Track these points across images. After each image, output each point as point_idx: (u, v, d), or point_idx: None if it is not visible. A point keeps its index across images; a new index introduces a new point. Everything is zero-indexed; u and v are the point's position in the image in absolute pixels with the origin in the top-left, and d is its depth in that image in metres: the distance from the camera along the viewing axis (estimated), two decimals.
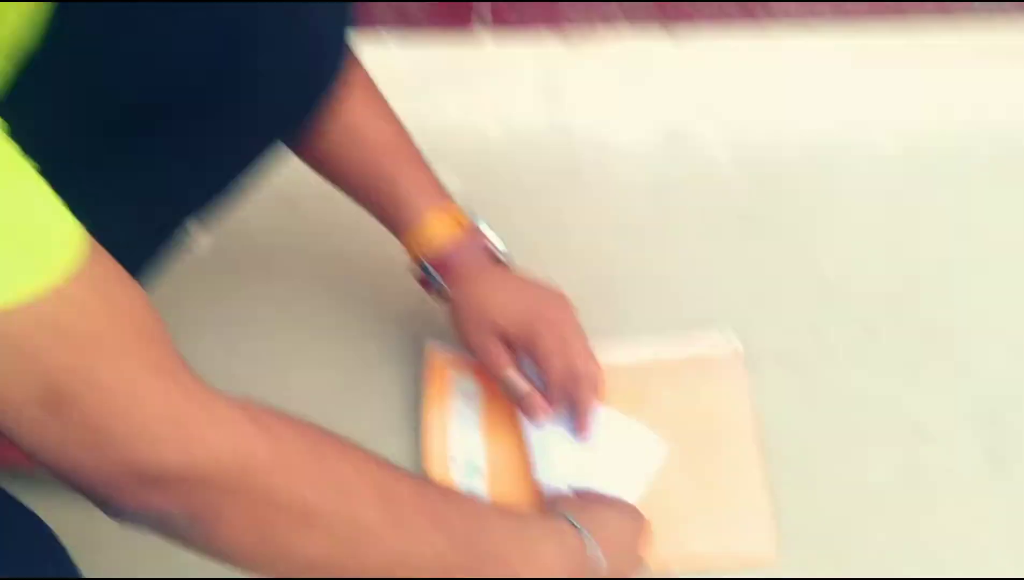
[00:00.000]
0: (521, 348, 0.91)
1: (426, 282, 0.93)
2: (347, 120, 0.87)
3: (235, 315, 1.07)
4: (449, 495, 0.75)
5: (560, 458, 0.92)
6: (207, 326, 1.04)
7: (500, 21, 1.23)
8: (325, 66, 0.81)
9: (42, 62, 0.70)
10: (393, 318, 1.04)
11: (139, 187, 0.80)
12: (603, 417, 0.93)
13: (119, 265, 0.58)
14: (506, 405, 0.94)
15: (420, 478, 0.72)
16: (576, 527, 0.78)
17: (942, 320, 1.04)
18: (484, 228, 0.93)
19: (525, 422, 0.93)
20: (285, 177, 0.92)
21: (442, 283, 0.91)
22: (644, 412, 0.96)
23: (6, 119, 0.56)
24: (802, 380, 1.00)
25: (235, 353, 1.04)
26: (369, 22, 1.20)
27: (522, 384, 0.91)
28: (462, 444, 0.96)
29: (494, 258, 0.92)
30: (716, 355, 1.00)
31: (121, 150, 0.77)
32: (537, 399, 0.91)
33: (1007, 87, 1.22)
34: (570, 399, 0.91)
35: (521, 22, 1.23)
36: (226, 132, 0.79)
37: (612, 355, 0.97)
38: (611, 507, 0.85)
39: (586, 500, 0.86)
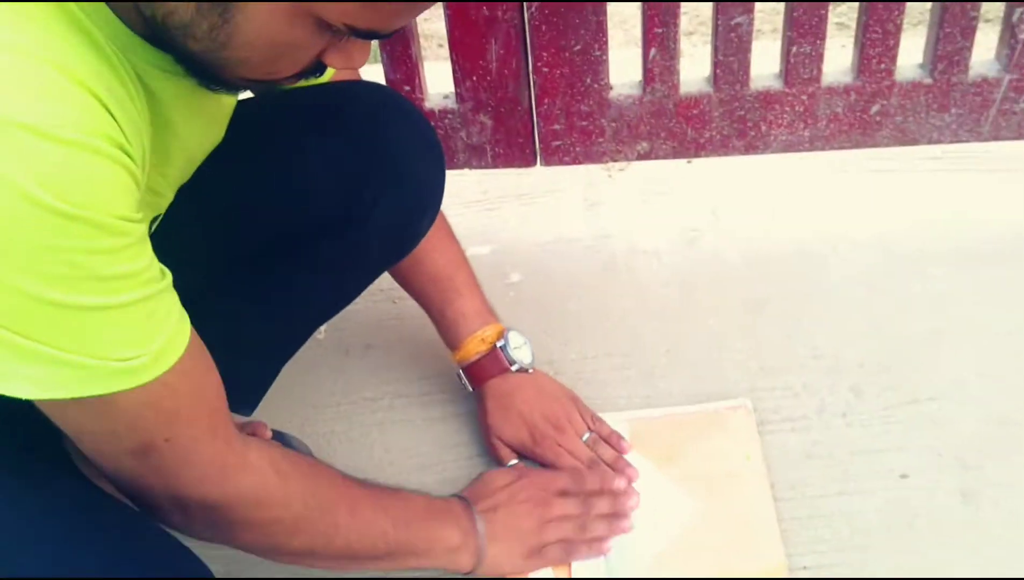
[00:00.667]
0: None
1: (461, 380, 1.02)
2: (415, 252, 0.93)
3: (346, 385, 1.12)
4: (390, 492, 0.81)
5: None
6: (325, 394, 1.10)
7: (552, 156, 1.26)
8: (427, 206, 0.87)
9: (194, 194, 0.72)
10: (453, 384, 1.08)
11: (279, 303, 0.85)
12: (637, 466, 0.95)
13: (206, 354, 0.63)
14: None
15: (373, 483, 0.80)
16: (475, 516, 0.84)
17: (918, 383, 1.06)
18: (513, 338, 0.98)
19: None
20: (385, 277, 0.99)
21: (469, 386, 0.99)
22: (670, 458, 0.97)
23: (164, 236, 0.61)
24: (802, 435, 1.03)
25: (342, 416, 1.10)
26: (454, 164, 1.25)
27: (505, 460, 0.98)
28: None
29: (510, 368, 0.98)
30: (731, 413, 1.02)
31: (265, 271, 0.83)
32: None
33: (958, 190, 1.26)
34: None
35: (570, 157, 1.26)
36: (350, 260, 0.85)
37: (645, 414, 1.00)
38: (518, 503, 0.87)
39: (498, 497, 0.88)
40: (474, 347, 0.96)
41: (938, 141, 1.22)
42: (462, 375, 0.98)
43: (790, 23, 1.13)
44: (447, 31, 1.11)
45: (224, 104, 0.70)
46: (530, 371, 0.98)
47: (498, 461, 0.97)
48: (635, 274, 1.20)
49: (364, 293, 0.92)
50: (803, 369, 1.07)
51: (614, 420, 1.00)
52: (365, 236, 0.81)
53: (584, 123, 1.18)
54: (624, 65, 1.20)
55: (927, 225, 1.18)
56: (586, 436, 0.96)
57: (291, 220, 0.78)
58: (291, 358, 0.90)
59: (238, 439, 0.66)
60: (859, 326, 1.11)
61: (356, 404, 1.08)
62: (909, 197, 1.23)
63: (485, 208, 1.18)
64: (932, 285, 1.13)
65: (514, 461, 0.97)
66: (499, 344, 0.96)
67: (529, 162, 1.25)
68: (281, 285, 0.83)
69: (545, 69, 1.13)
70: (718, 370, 1.08)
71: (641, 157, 1.24)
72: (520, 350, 0.97)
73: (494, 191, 1.27)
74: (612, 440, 0.97)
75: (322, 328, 1.08)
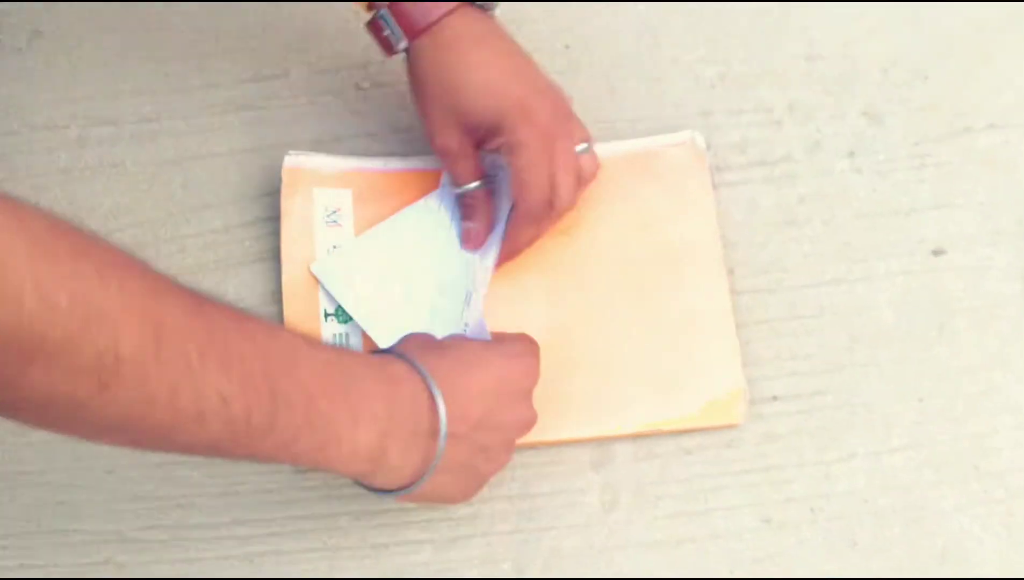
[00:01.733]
0: (492, 149, 0.68)
1: (378, 31, 0.67)
2: None
3: None
4: (248, 327, 0.52)
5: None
6: None
7: None
8: None
9: None
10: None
11: None
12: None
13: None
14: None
15: (211, 304, 0.50)
16: (414, 366, 0.57)
17: (971, 102, 0.75)
18: None
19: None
20: None
21: (398, 29, 0.66)
22: (577, 222, 0.71)
23: None
24: (781, 188, 0.73)
25: None
26: None
27: (472, 211, 0.69)
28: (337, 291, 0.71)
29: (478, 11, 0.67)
30: (669, 153, 0.74)
31: None
32: (480, 236, 0.69)
33: None
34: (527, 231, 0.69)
35: None
36: None
37: None
38: (483, 351, 0.61)
39: (446, 345, 0.62)
40: None
41: None
42: (387, 20, 0.65)
43: None
44: None
45: None
46: (493, 15, 0.68)
47: (447, 169, 0.69)
48: None
49: None
50: (789, 76, 0.76)
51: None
52: None
53: None
54: None
55: None
56: (582, 147, 0.69)
57: None
58: None
59: None
60: (883, 12, 0.78)
61: None
62: None
63: None
64: None
65: (475, 184, 0.68)
66: None
67: None
68: None
69: None
70: (655, 83, 0.76)
71: None
72: None
73: None
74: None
75: None
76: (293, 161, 0.70)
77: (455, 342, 0.62)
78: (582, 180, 0.69)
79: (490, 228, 0.69)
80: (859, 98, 0.76)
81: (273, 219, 0.71)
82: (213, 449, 0.50)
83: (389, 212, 0.70)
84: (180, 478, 0.65)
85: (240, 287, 0.70)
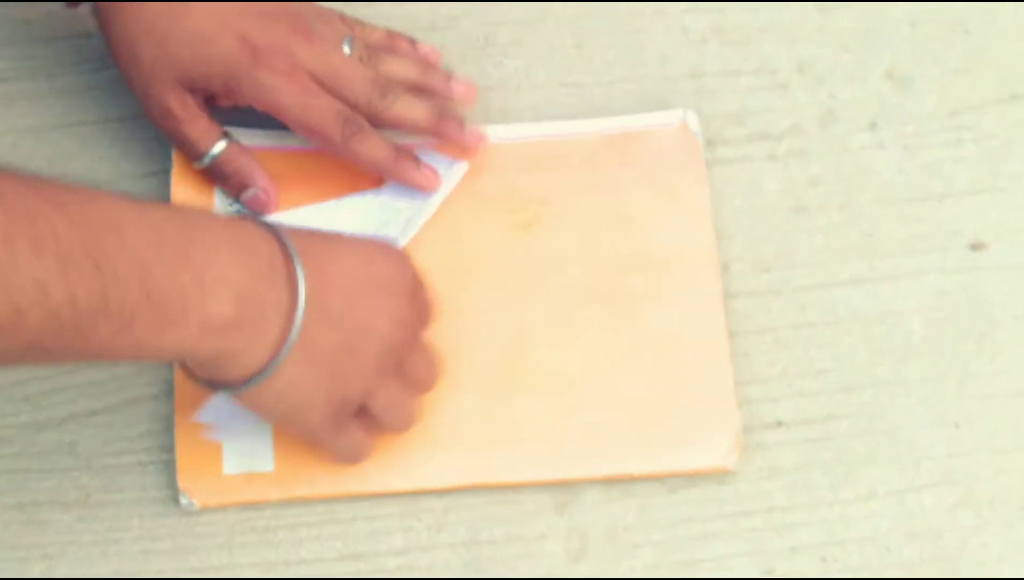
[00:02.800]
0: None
1: None
2: None
3: None
4: (58, 197, 0.51)
5: None
6: None
7: None
8: None
9: None
10: None
11: None
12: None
13: None
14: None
15: (7, 177, 0.50)
16: (271, 230, 0.57)
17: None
18: None
19: None
20: None
21: None
22: (549, 214, 0.70)
23: None
24: (789, 166, 0.72)
25: None
26: None
27: (242, 174, 0.69)
28: None
29: None
30: (658, 134, 0.73)
31: None
32: (270, 196, 0.70)
33: None
34: None
35: None
36: None
37: (516, 133, 0.73)
38: (367, 245, 0.62)
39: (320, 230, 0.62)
40: None
41: None
42: None
43: None
44: None
45: None
46: None
47: (192, 148, 0.67)
48: None
49: None
50: (798, 29, 0.74)
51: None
52: None
53: None
54: None
55: None
56: (348, 44, 0.68)
57: None
58: None
59: None
60: None
61: None
62: None
63: None
64: None
65: (220, 146, 0.67)
66: None
67: None
68: None
69: None
70: (633, 37, 0.74)
71: None
72: None
73: None
74: (399, 46, 0.72)
75: None
76: None
77: (332, 233, 0.61)
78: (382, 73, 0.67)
79: (273, 182, 0.67)
80: (883, 57, 0.73)
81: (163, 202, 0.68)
82: (37, 349, 0.49)
83: (305, 197, 0.68)
84: (47, 522, 0.63)
85: None
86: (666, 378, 0.65)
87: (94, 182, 0.69)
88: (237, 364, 0.55)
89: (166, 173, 0.67)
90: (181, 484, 0.64)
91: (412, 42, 0.73)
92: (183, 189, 0.67)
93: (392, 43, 0.72)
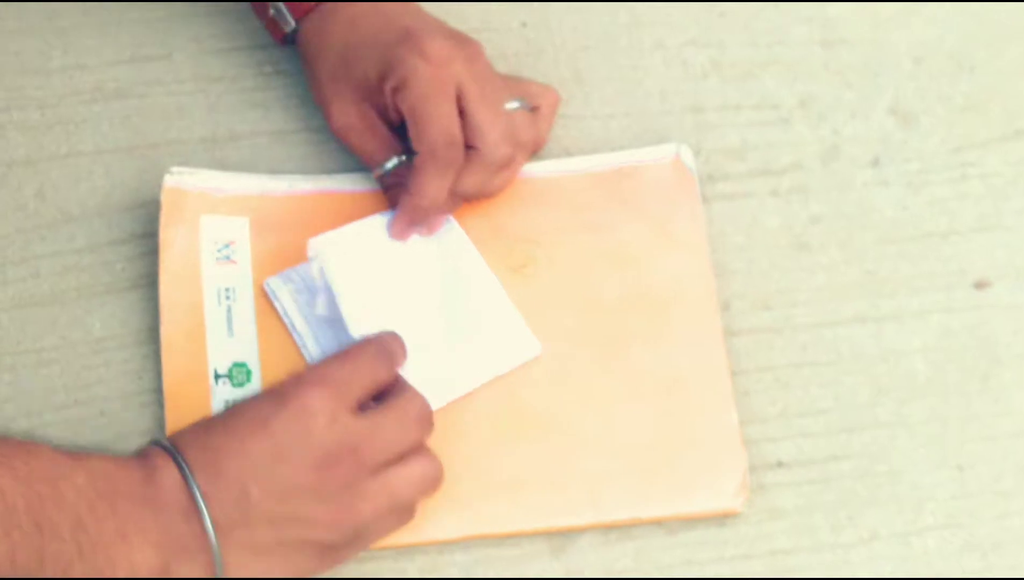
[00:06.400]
0: (392, 106, 0.70)
1: (263, 8, 0.73)
2: None
3: None
4: (8, 450, 0.57)
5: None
6: None
7: None
8: None
9: None
10: None
11: None
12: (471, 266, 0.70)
13: None
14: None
15: None
16: (171, 453, 0.59)
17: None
18: None
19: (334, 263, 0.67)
20: None
21: (283, 9, 0.72)
22: (539, 257, 0.71)
23: None
24: (789, 204, 0.73)
25: None
26: None
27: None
28: (226, 341, 0.69)
29: None
30: (653, 170, 0.74)
31: None
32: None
33: None
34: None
35: None
36: None
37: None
38: (270, 409, 0.61)
39: (228, 412, 0.63)
40: None
41: None
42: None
43: None
44: None
45: None
46: None
47: (369, 162, 0.70)
48: None
49: None
50: (800, 65, 0.76)
51: None
52: None
53: None
54: None
55: None
56: (514, 104, 0.69)
57: None
58: None
59: None
60: None
61: None
62: None
63: None
64: None
65: (394, 160, 0.69)
66: None
67: None
68: None
69: None
70: (632, 72, 0.76)
71: None
72: None
73: None
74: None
75: None
76: (176, 181, 0.68)
77: (239, 406, 0.62)
78: (519, 141, 0.68)
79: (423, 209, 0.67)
80: (886, 93, 0.75)
81: (151, 236, 0.69)
82: None
83: (295, 244, 0.68)
84: None
85: (109, 321, 0.68)
86: (668, 420, 0.66)
87: (85, 213, 0.71)
88: None
89: (156, 205, 0.69)
90: None
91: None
92: (169, 265, 0.67)
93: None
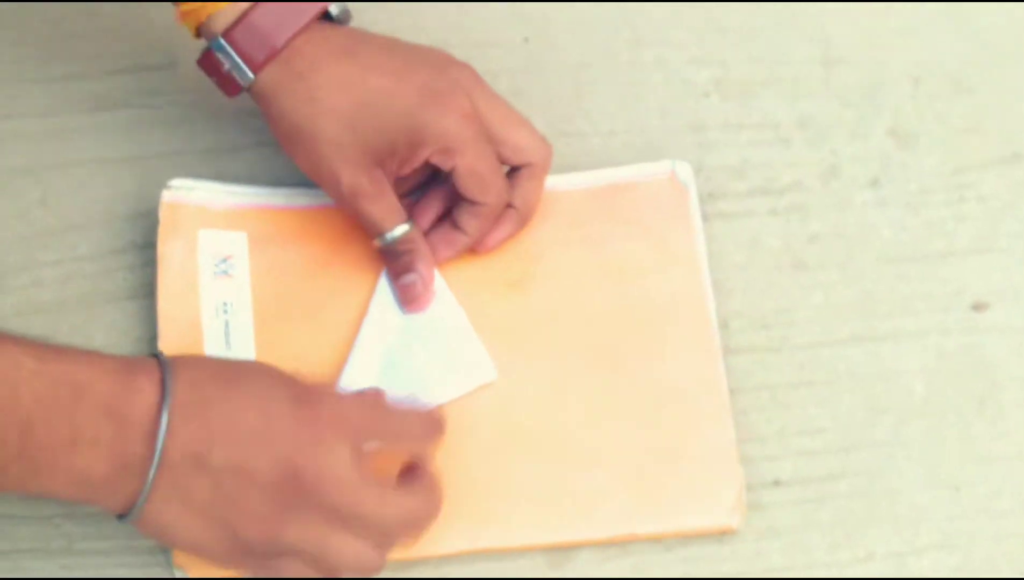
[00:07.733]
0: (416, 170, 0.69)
1: (216, 68, 0.68)
2: None
3: None
4: None
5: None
6: None
7: None
8: None
9: None
10: None
11: None
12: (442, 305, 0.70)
13: None
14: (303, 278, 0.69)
15: None
16: (162, 371, 0.59)
17: None
18: None
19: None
20: None
21: (242, 66, 0.67)
22: (538, 273, 0.71)
23: None
24: (789, 222, 0.74)
25: None
26: None
27: (412, 259, 0.69)
28: (224, 355, 0.69)
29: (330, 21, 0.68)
30: (650, 187, 0.74)
31: None
32: (428, 287, 0.70)
33: None
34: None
35: None
36: None
37: None
38: (274, 383, 0.62)
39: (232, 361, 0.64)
40: None
41: None
42: (226, 51, 0.66)
43: None
44: None
45: None
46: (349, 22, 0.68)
47: (377, 227, 0.68)
48: None
49: None
50: (800, 84, 0.76)
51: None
52: None
53: None
54: None
55: None
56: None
57: None
58: None
59: None
60: (916, 8, 0.79)
61: None
62: None
63: None
64: None
65: (402, 228, 0.68)
66: None
67: None
68: None
69: None
70: (633, 89, 0.77)
71: None
72: None
73: None
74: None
75: None
76: (173, 195, 0.68)
77: (254, 370, 0.62)
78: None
79: (432, 275, 0.68)
80: (886, 114, 0.76)
81: (153, 246, 0.69)
82: None
83: (293, 258, 0.69)
84: (29, 570, 0.63)
85: (110, 330, 0.68)
86: (665, 435, 0.66)
87: (87, 222, 0.71)
88: (114, 503, 0.58)
89: (157, 214, 0.69)
90: (176, 561, 0.63)
91: None
92: (167, 280, 0.67)
93: None
